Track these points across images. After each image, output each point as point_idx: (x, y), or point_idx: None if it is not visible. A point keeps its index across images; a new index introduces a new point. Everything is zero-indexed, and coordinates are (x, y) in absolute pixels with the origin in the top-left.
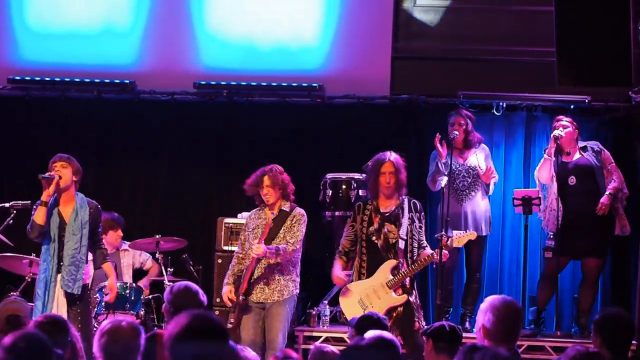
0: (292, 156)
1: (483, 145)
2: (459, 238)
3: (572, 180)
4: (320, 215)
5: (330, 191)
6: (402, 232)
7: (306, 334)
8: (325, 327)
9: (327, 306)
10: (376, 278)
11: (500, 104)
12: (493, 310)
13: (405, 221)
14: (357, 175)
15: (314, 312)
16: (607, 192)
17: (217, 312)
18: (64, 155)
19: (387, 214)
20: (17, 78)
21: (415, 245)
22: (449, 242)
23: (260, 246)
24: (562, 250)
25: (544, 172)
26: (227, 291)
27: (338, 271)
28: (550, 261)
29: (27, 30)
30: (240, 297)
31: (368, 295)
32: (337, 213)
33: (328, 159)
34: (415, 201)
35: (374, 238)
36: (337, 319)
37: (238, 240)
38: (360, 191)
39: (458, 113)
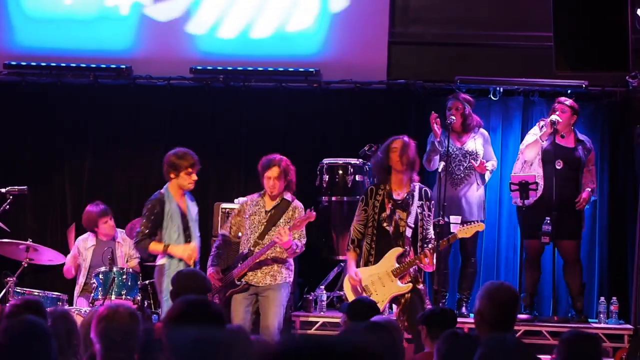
0: (289, 141)
1: (482, 130)
2: (465, 229)
3: (559, 163)
4: (317, 200)
5: (327, 176)
6: (411, 220)
7: (303, 319)
8: (322, 312)
9: (324, 291)
10: (381, 265)
11: (497, 89)
12: (489, 296)
13: (414, 209)
14: (353, 161)
15: (311, 298)
16: (588, 189)
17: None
18: (195, 157)
19: (399, 201)
20: (13, 63)
21: (423, 233)
22: (456, 233)
23: (287, 233)
24: (535, 232)
25: (531, 152)
26: (214, 272)
27: (352, 270)
28: (531, 244)
29: (23, 15)
30: (243, 282)
31: (373, 282)
32: (333, 198)
33: (324, 144)
34: (427, 189)
35: (385, 224)
36: (334, 304)
37: (227, 223)
38: (357, 176)
39: (456, 97)
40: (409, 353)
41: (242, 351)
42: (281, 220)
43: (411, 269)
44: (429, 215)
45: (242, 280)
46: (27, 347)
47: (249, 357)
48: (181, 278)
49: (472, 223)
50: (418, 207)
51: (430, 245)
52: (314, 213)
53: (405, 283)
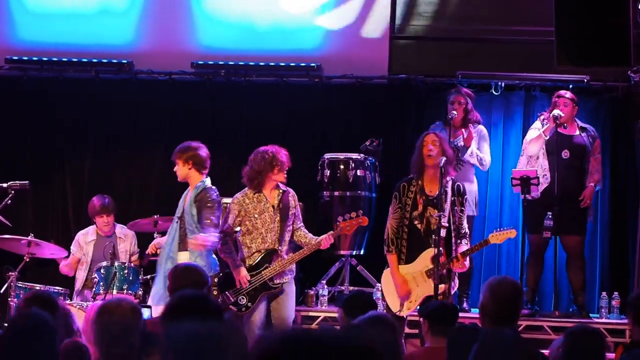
0: (290, 136)
1: (480, 127)
2: (498, 235)
3: (565, 153)
4: (318, 195)
5: (328, 171)
6: (444, 219)
7: (304, 314)
8: (323, 307)
9: (325, 286)
10: (416, 265)
11: (499, 83)
12: (491, 290)
13: (447, 206)
14: (355, 155)
15: (312, 292)
16: (592, 184)
17: (215, 292)
18: (178, 147)
19: (431, 198)
20: (15, 58)
21: (457, 229)
22: (488, 238)
23: (331, 240)
24: (538, 227)
25: (534, 147)
26: (247, 274)
27: (398, 275)
28: (535, 239)
29: (25, 10)
30: (280, 285)
31: (407, 281)
32: (335, 193)
33: (326, 138)
34: (460, 184)
35: (416, 222)
36: (335, 299)
37: (227, 222)
38: (358, 171)
39: (458, 92)
40: (410, 348)
41: (237, 346)
42: (290, 212)
43: (443, 271)
44: (461, 210)
45: (275, 281)
46: (30, 340)
47: (244, 352)
48: (177, 273)
49: (505, 229)
50: (451, 203)
51: (462, 249)
52: (366, 218)
53: (440, 283)
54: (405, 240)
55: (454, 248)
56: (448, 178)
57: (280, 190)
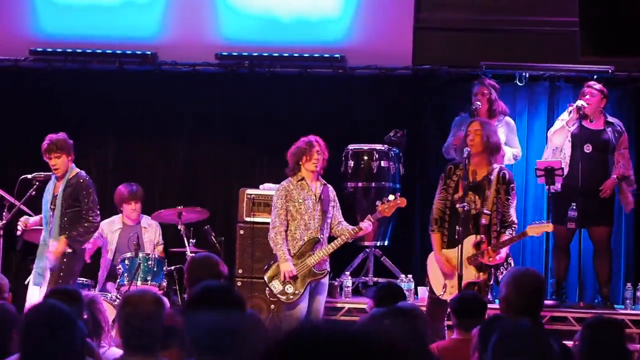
0: (313, 127)
1: (507, 118)
2: (535, 227)
3: (587, 147)
4: (342, 186)
5: (352, 162)
6: (486, 206)
7: (328, 305)
8: (347, 298)
9: (350, 277)
10: (459, 251)
11: (523, 74)
12: (515, 282)
13: (490, 194)
14: (378, 146)
15: (336, 283)
16: (614, 176)
17: (239, 284)
18: (54, 139)
19: (473, 184)
20: (39, 49)
21: (499, 218)
22: (526, 230)
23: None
24: (563, 218)
25: (558, 138)
26: (293, 267)
27: (440, 254)
28: (560, 231)
29: (49, 2)
30: (325, 271)
31: (451, 259)
32: (359, 184)
33: (349, 130)
34: (506, 172)
35: (457, 205)
36: (359, 290)
37: (280, 212)
38: (382, 162)
39: (482, 83)
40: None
41: (257, 339)
42: (330, 206)
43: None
44: (507, 199)
45: (322, 268)
46: (48, 333)
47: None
48: (194, 264)
49: (542, 222)
50: (494, 191)
51: (505, 239)
52: (404, 199)
53: (478, 272)
54: (447, 222)
55: (494, 236)
56: (495, 165)
57: (322, 183)
